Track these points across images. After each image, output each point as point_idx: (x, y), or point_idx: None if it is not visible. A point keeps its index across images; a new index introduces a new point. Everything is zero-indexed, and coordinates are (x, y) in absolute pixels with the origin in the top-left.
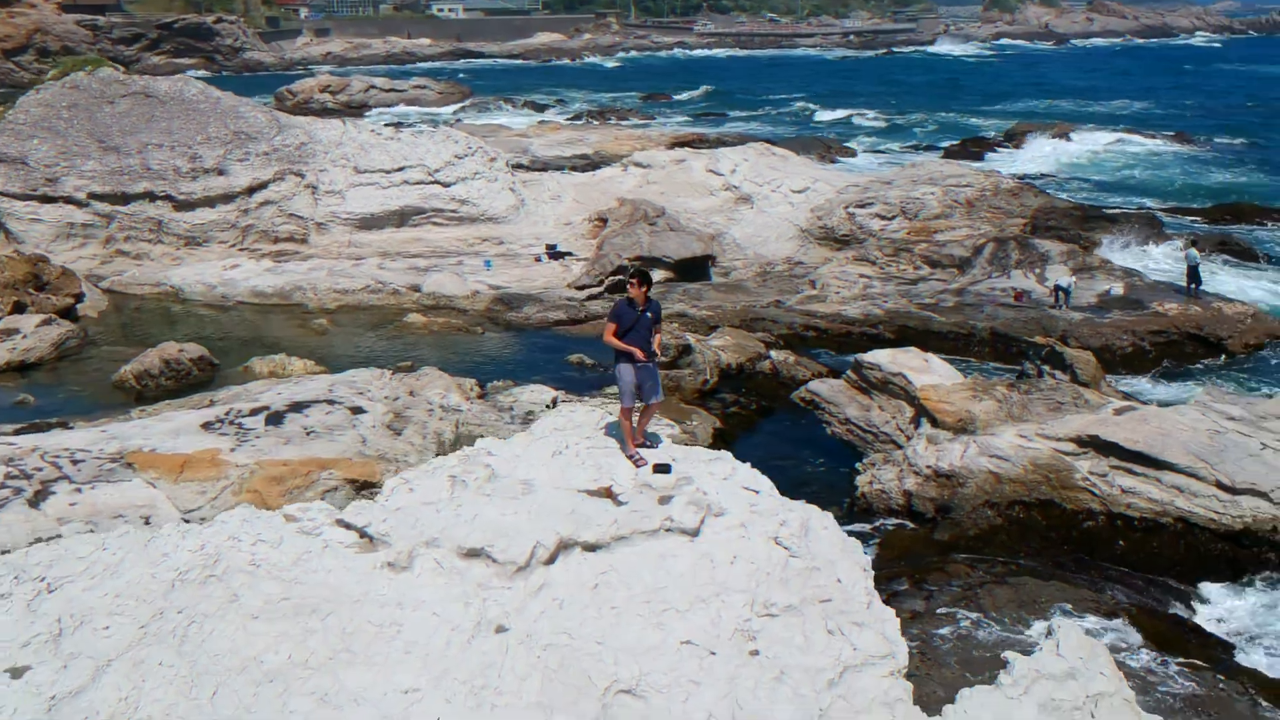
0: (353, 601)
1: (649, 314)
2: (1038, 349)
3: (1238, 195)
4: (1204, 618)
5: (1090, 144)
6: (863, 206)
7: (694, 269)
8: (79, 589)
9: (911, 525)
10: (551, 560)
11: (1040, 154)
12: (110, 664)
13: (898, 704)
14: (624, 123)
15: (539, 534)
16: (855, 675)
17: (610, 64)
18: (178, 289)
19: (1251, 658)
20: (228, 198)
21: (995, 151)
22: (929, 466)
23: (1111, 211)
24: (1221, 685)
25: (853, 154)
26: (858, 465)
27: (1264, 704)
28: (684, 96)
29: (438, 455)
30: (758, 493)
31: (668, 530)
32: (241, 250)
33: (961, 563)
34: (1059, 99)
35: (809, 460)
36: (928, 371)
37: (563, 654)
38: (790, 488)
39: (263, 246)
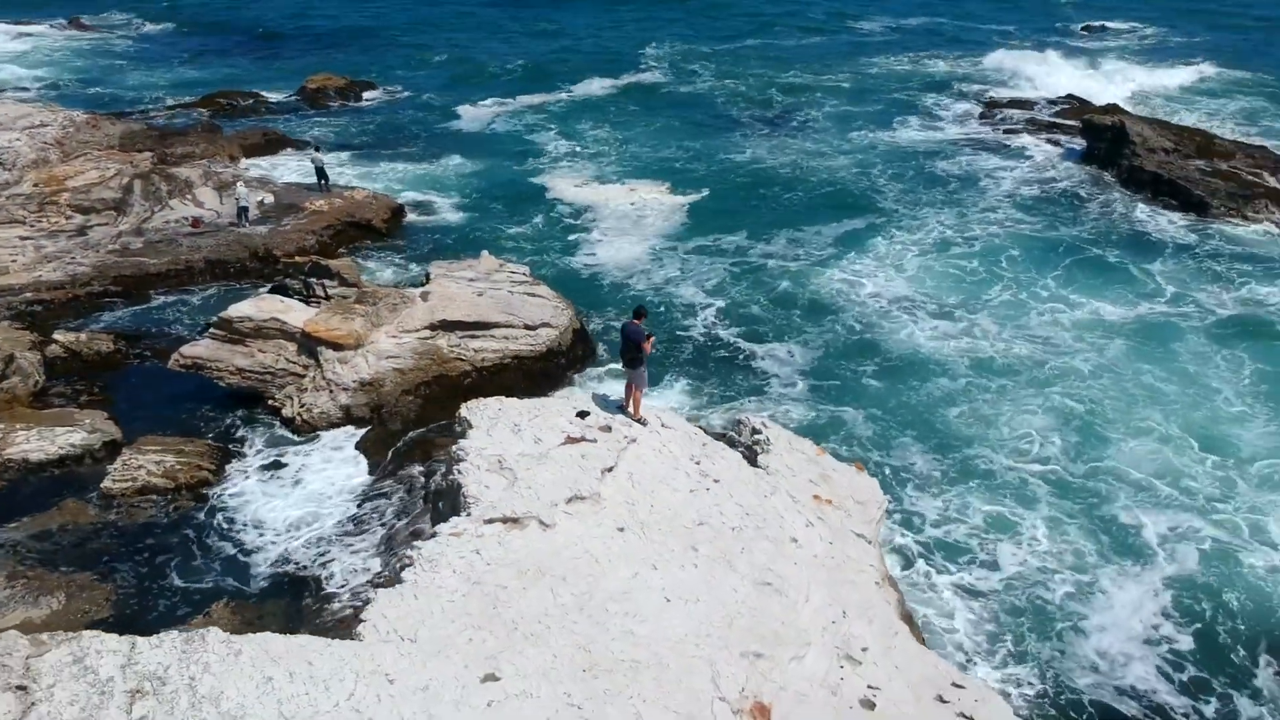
0: (553, 554)
1: None
2: (299, 267)
3: (209, 87)
4: None
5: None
6: None
7: None
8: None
9: (361, 429)
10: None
11: None
12: (521, 650)
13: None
14: None
15: (588, 474)
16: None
17: None
18: None
19: None
20: None
21: None
22: (354, 381)
23: (178, 123)
24: None
25: None
26: (273, 400)
27: None
28: None
29: None
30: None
31: (631, 442)
32: None
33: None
34: None
35: (220, 410)
36: (291, 310)
37: (663, 514)
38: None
39: None
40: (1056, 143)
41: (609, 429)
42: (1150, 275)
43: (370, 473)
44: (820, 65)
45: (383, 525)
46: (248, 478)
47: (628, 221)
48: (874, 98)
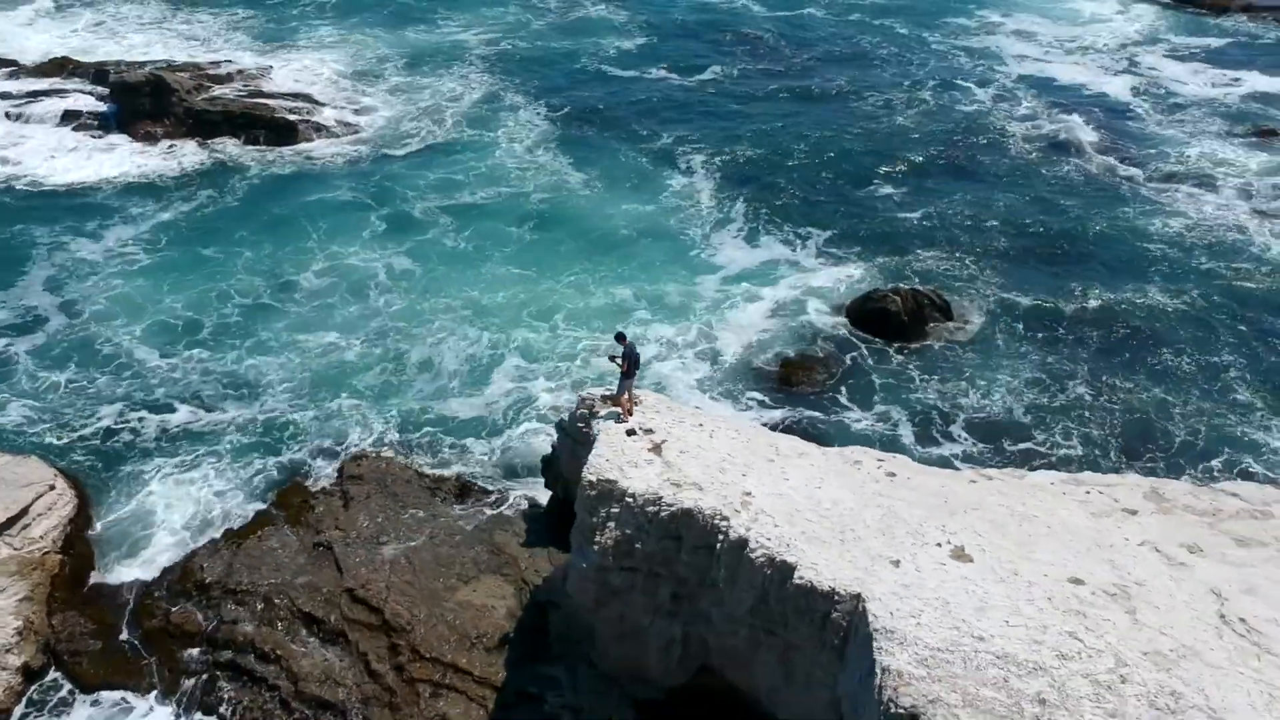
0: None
1: None
2: None
3: None
4: None
5: None
6: None
7: None
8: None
9: None
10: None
11: None
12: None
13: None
14: None
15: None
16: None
17: None
18: None
19: None
20: None
21: None
22: None
23: None
24: None
25: None
26: None
27: None
28: None
29: None
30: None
31: (668, 432)
32: None
33: None
34: None
35: None
36: None
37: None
38: None
39: None
40: (84, 110)
41: (651, 431)
42: (308, 227)
43: None
44: None
45: None
46: None
47: None
48: None
